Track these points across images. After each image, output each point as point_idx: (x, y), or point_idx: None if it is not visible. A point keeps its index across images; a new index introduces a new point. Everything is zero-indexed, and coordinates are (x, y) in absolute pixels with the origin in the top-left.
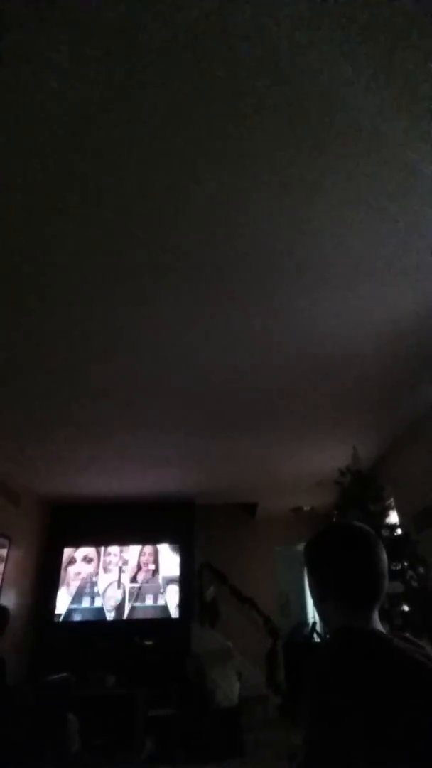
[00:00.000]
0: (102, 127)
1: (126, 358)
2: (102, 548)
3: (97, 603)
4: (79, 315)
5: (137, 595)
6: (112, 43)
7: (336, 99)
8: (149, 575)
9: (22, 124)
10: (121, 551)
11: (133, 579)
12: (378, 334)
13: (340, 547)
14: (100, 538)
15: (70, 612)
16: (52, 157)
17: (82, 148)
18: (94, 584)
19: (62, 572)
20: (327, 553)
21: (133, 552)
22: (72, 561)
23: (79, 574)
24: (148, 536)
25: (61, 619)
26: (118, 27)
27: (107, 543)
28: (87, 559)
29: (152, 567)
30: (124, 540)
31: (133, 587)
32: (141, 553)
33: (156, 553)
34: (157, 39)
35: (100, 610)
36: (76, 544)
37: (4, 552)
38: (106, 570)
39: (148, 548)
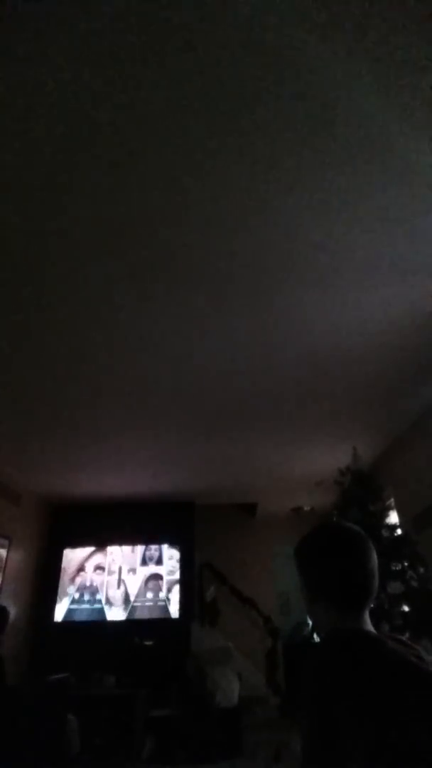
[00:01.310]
0: (102, 127)
1: (126, 358)
2: (103, 548)
3: (98, 603)
4: (79, 316)
5: (137, 595)
6: (111, 44)
7: (337, 101)
8: (150, 576)
9: (22, 124)
10: (122, 551)
11: (134, 579)
12: (378, 334)
13: (329, 548)
14: (100, 538)
15: (70, 612)
16: (53, 157)
17: (83, 149)
18: (94, 584)
19: (63, 574)
20: (317, 554)
21: (133, 552)
22: (82, 569)
23: (85, 580)
24: (148, 536)
25: (61, 619)
26: (118, 27)
27: (107, 543)
28: (98, 568)
29: (154, 566)
30: (124, 540)
31: (134, 587)
32: (147, 548)
33: (160, 552)
34: (157, 38)
35: (101, 610)
36: (77, 545)
37: (4, 552)
38: (106, 570)
39: (154, 545)
